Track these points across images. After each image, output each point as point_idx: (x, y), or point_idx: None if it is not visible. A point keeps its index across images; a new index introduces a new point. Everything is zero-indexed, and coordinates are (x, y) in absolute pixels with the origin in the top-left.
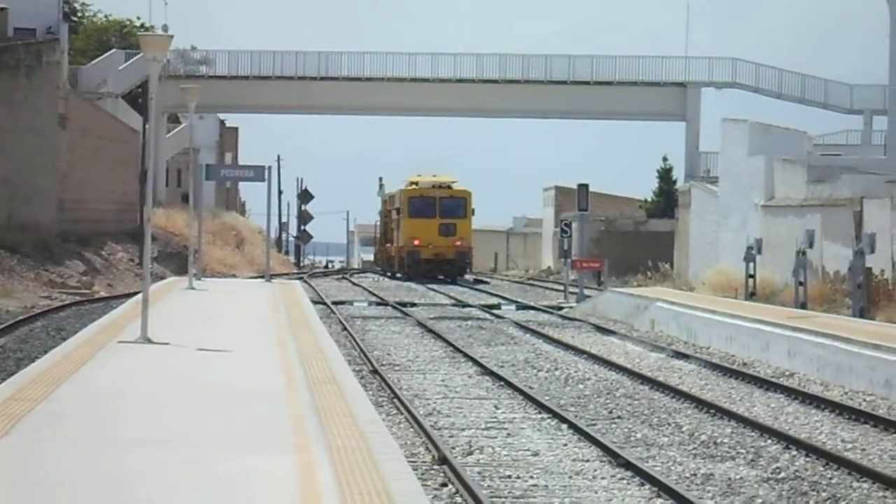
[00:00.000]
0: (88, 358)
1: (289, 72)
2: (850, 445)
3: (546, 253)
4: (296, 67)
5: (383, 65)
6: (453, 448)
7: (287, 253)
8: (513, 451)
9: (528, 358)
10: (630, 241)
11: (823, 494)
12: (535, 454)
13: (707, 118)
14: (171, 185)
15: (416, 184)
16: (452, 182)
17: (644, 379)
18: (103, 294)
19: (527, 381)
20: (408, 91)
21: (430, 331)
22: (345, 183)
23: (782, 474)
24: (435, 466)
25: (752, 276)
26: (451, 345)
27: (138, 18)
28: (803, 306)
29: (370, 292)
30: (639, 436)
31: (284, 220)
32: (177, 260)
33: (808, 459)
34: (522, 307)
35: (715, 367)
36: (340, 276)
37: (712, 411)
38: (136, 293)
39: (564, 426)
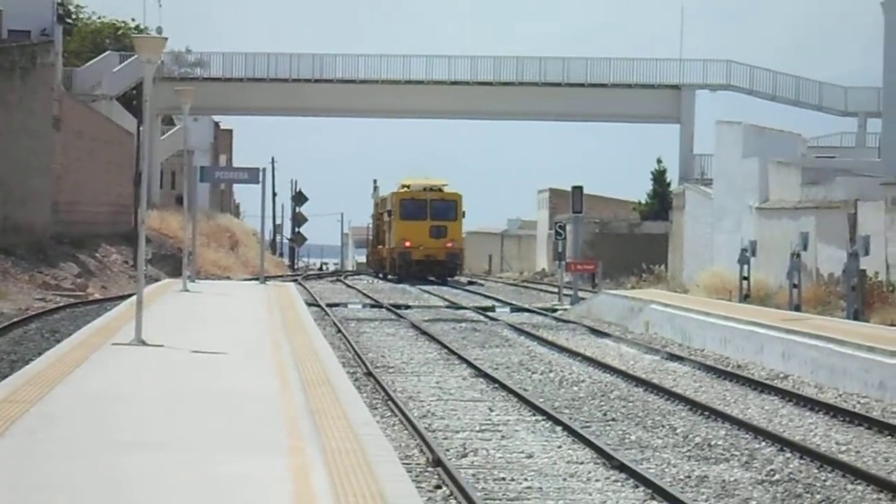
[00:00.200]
0: (83, 360)
1: (283, 74)
2: (844, 447)
3: (540, 255)
4: (290, 69)
5: (378, 67)
6: (448, 450)
7: (281, 255)
8: (507, 454)
9: (522, 360)
10: (624, 243)
11: (818, 497)
12: (530, 456)
13: (701, 120)
14: (165, 188)
15: (408, 186)
16: (443, 185)
17: (638, 381)
18: (97, 296)
19: (521, 384)
20: (402, 93)
21: (424, 333)
22: (339, 185)
23: (777, 476)
24: (429, 468)
25: (747, 279)
26: (445, 347)
27: (133, 20)
28: (797, 308)
29: (364, 294)
30: (633, 438)
31: (279, 222)
32: (171, 262)
33: (802, 461)
34: (517, 309)
35: (709, 369)
36: (335, 278)
37: (706, 413)
38: (130, 295)
39: (559, 428)
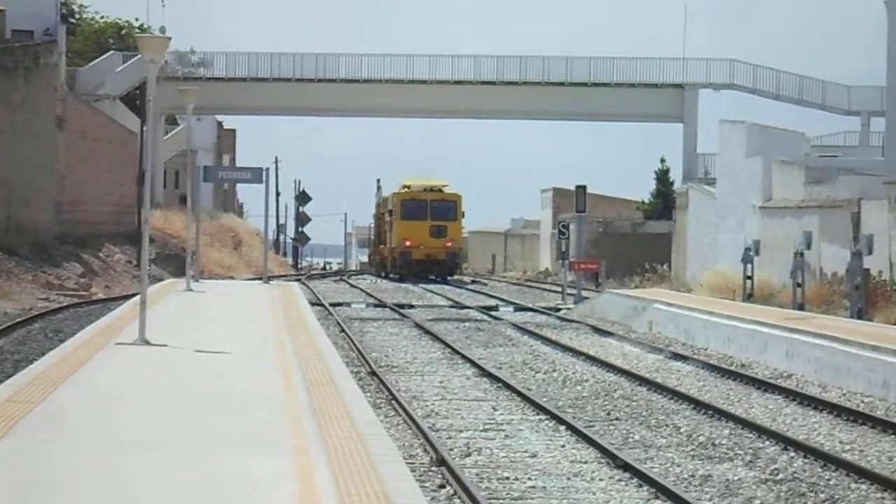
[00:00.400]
0: (86, 360)
1: (286, 73)
2: (848, 446)
3: (544, 254)
4: (293, 69)
5: (381, 67)
6: (451, 449)
7: (285, 255)
8: (511, 453)
9: (525, 359)
10: (628, 242)
11: (821, 495)
12: (534, 456)
13: (705, 119)
14: (168, 187)
15: (409, 187)
16: (444, 185)
17: (642, 380)
18: (101, 296)
19: (525, 383)
20: (405, 93)
21: (427, 332)
22: (343, 185)
23: (780, 475)
24: (433, 468)
25: (750, 278)
26: (448, 346)
27: (136, 20)
28: (801, 308)
29: (368, 294)
30: (637, 437)
31: (282, 221)
32: (174, 262)
33: (806, 460)
34: (520, 309)
35: (713, 368)
36: (338, 277)
37: (710, 412)
38: (133, 295)
39: (562, 427)
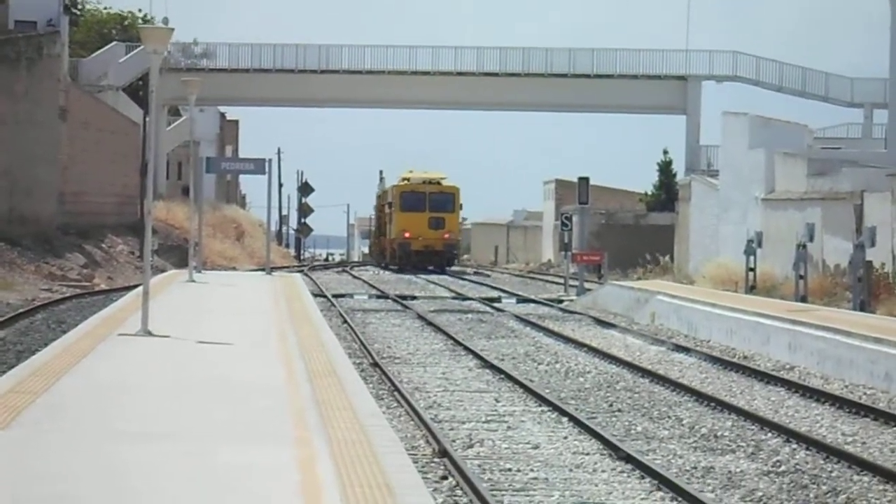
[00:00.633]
0: (89, 350)
1: (289, 65)
2: (850, 439)
3: (546, 246)
4: (296, 60)
5: (384, 58)
6: (454, 441)
7: (287, 246)
8: (513, 444)
9: (528, 351)
10: (630, 234)
11: (824, 487)
12: (536, 447)
13: (707, 111)
14: (171, 178)
15: (408, 179)
16: (442, 178)
17: (644, 372)
18: (103, 287)
19: (527, 375)
20: (408, 84)
21: (430, 324)
22: (345, 176)
23: (783, 467)
24: (435, 459)
25: (753, 270)
26: (451, 338)
27: (139, 11)
28: (803, 300)
29: (370, 285)
30: (639, 429)
31: (285, 212)
32: (177, 253)
33: (808, 453)
34: (523, 300)
35: (715, 360)
36: (340, 268)
37: (713, 404)
38: (136, 286)
39: (565, 419)
